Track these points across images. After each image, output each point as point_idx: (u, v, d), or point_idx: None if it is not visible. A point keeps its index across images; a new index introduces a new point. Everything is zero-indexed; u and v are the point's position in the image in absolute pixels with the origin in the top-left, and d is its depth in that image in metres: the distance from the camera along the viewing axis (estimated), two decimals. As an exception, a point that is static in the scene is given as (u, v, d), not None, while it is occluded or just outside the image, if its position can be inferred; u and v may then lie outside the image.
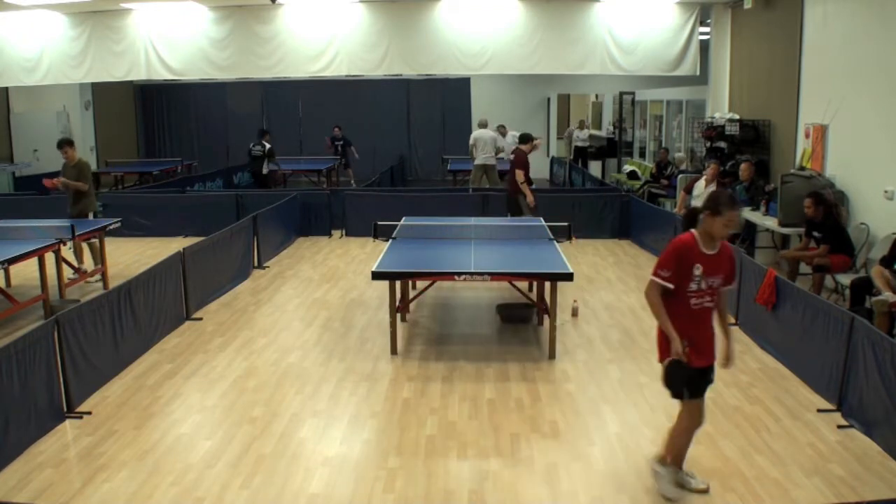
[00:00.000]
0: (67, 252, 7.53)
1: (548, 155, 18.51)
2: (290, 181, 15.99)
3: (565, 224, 7.31)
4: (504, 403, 5.10)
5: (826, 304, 5.25)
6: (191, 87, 17.82)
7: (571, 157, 18.11)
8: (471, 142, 12.96)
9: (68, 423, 4.80)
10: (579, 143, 17.72)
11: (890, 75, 7.01)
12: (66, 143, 8.48)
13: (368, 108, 18.51)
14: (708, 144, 10.65)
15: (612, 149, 17.78)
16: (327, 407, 5.09)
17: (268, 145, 13.61)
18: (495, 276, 5.93)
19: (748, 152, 9.83)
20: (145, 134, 19.05)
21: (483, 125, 13.02)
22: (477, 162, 12.73)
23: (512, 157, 9.99)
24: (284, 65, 11.64)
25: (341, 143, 16.23)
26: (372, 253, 9.43)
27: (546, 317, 6.21)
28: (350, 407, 5.09)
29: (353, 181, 15.81)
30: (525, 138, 9.32)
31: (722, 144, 10.34)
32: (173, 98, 18.70)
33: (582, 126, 18.23)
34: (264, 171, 13.65)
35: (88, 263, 8.46)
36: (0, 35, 11.68)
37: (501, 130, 15.25)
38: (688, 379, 3.75)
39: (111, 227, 8.28)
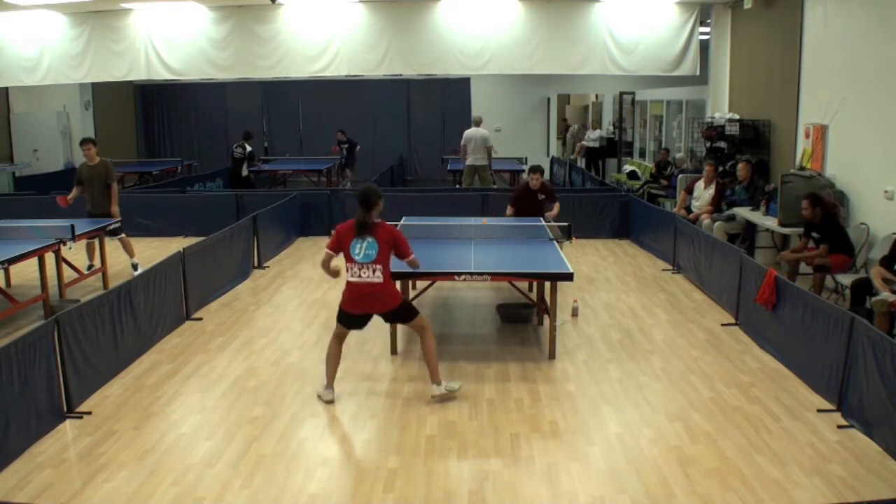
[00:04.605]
0: (68, 252, 7.54)
1: (548, 155, 18.53)
2: (290, 181, 15.98)
3: (565, 224, 7.31)
4: (504, 403, 5.10)
5: (826, 304, 5.25)
6: (191, 87, 17.81)
7: (574, 156, 18.07)
8: (462, 141, 12.81)
9: (68, 423, 4.80)
10: (590, 144, 17.67)
11: (890, 75, 7.01)
12: (88, 141, 8.62)
13: (368, 108, 18.50)
14: (708, 144, 10.65)
15: (612, 149, 17.77)
16: (327, 407, 5.09)
17: (249, 148, 13.86)
18: (495, 276, 5.92)
19: (748, 152, 9.83)
20: (145, 134, 19.04)
21: (477, 123, 12.83)
22: (468, 163, 12.65)
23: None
24: (284, 65, 11.63)
25: (346, 145, 16.14)
26: (372, 253, 9.43)
27: (546, 317, 6.21)
28: (350, 407, 5.09)
29: (349, 182, 15.57)
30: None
31: (722, 144, 10.34)
32: (173, 98, 18.69)
33: (594, 126, 18.18)
34: (243, 173, 13.79)
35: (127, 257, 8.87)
36: (0, 35, 11.69)
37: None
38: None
39: (111, 227, 8.31)
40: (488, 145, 12.61)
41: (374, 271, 5.01)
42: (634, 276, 8.71)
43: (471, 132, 12.67)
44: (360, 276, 5.03)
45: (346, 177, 16.04)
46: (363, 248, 5.02)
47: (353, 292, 5.09)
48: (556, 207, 8.22)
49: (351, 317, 5.18)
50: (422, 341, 5.21)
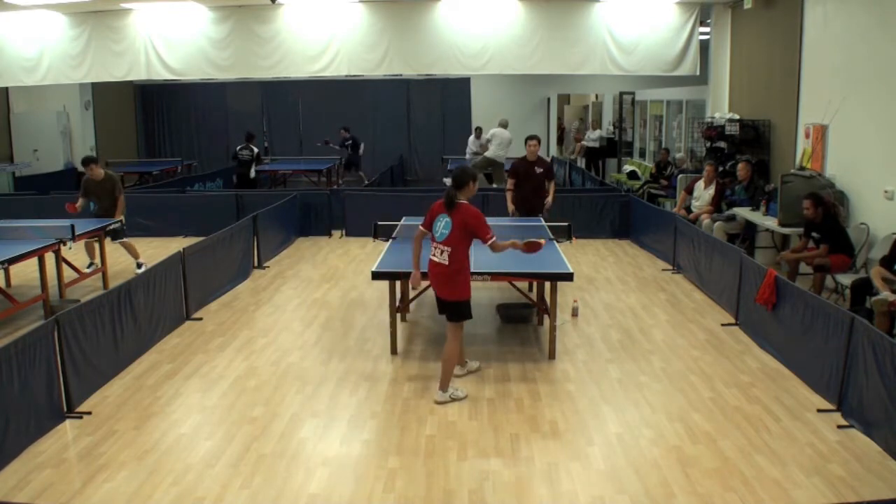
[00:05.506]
0: (68, 252, 7.55)
1: (548, 155, 18.53)
2: (290, 181, 15.98)
3: (565, 224, 7.31)
4: (504, 403, 5.10)
5: (826, 304, 5.25)
6: (191, 87, 17.82)
7: (574, 155, 18.08)
8: (487, 136, 13.71)
9: (68, 423, 4.80)
10: (590, 144, 17.67)
11: (890, 75, 7.01)
12: (91, 162, 8.56)
13: (368, 108, 18.51)
14: (708, 144, 10.66)
15: (612, 149, 17.78)
16: (327, 407, 5.09)
17: (255, 149, 13.91)
18: (495, 276, 5.92)
19: (748, 152, 9.84)
20: (145, 134, 19.05)
21: (504, 125, 13.61)
22: (488, 154, 13.25)
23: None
24: (284, 65, 11.63)
25: (350, 143, 16.10)
26: (372, 253, 9.43)
27: (546, 317, 6.21)
28: (350, 407, 5.09)
29: (365, 180, 15.41)
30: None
31: (722, 144, 10.34)
32: (173, 98, 18.70)
33: (594, 126, 18.20)
34: (252, 174, 13.80)
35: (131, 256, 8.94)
36: (0, 35, 11.69)
37: (477, 132, 15.50)
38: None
39: (111, 227, 8.32)
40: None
41: (442, 252, 5.01)
42: (634, 276, 8.71)
43: (498, 130, 13.59)
44: (434, 253, 5.08)
45: (360, 178, 15.90)
46: (441, 226, 5.04)
47: (429, 269, 5.16)
48: (552, 187, 8.37)
49: (436, 297, 5.22)
50: (447, 344, 5.13)
